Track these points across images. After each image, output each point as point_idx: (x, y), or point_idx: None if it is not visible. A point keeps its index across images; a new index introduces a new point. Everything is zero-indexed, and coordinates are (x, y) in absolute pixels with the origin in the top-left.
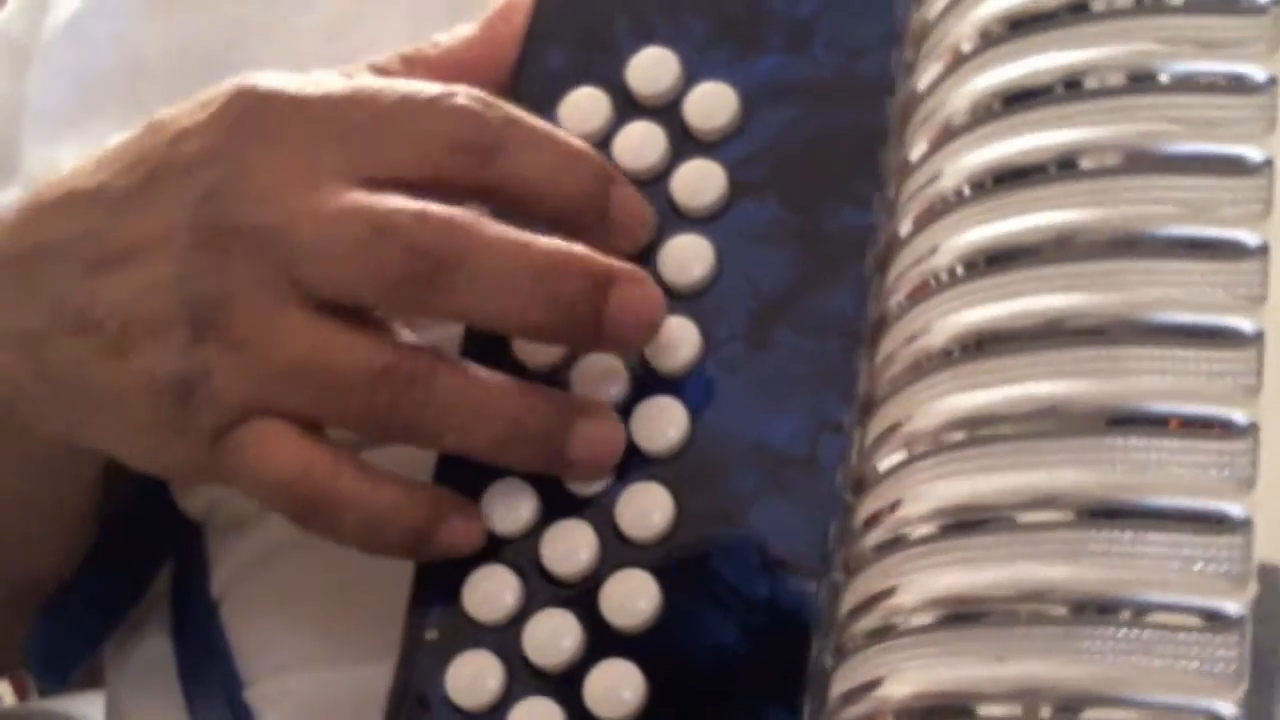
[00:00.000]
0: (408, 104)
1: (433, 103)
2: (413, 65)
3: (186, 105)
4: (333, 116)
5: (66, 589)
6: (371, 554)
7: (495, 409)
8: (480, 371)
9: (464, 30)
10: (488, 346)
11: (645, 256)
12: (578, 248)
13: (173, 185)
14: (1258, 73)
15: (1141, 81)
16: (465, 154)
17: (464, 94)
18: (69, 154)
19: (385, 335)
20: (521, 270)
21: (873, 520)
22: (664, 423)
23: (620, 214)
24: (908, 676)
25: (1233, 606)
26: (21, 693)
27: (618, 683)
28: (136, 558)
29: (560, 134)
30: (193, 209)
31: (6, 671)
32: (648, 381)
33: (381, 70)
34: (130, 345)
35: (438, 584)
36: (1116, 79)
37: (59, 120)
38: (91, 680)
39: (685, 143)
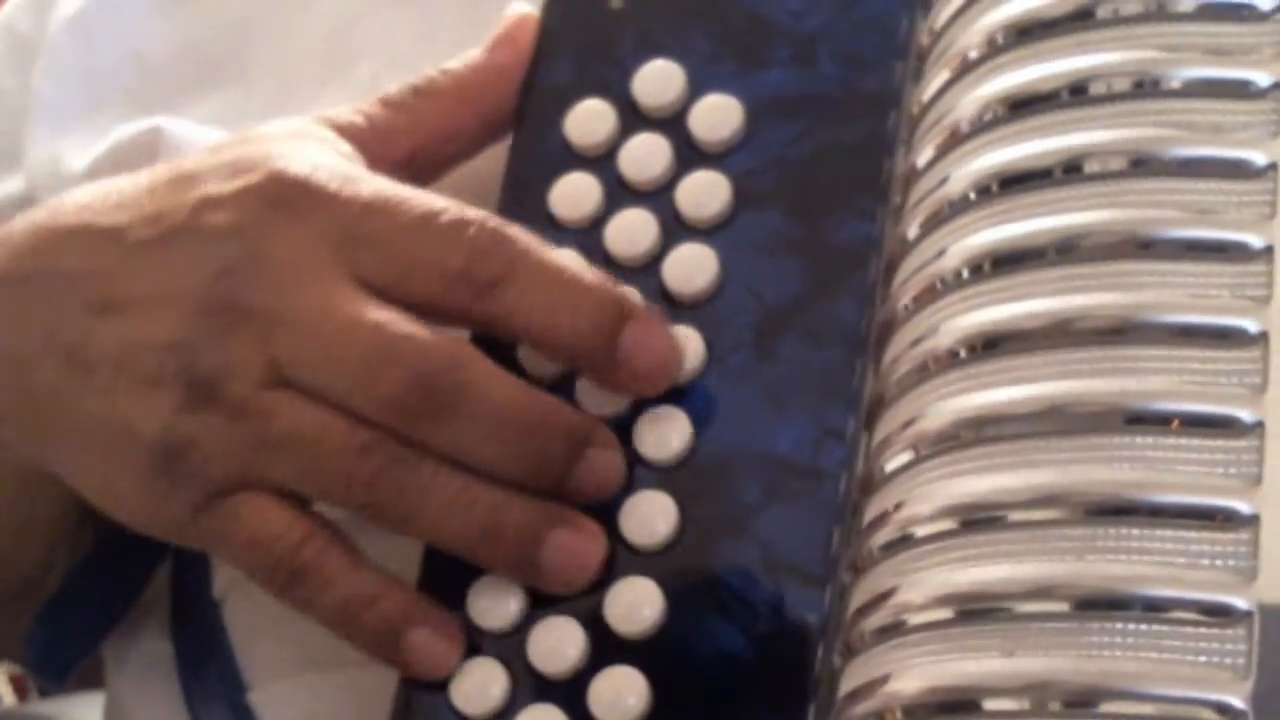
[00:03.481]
0: (425, 224)
1: (449, 230)
2: (425, 96)
3: (216, 165)
4: (352, 221)
5: (65, 586)
6: (345, 639)
7: (474, 499)
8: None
9: (471, 55)
10: (492, 353)
11: (650, 267)
12: (563, 406)
13: (191, 251)
14: (1262, 78)
15: (1147, 87)
16: (466, 287)
17: (477, 226)
18: (73, 148)
19: None
20: (511, 423)
21: (880, 520)
22: (668, 431)
23: (634, 353)
24: (916, 672)
25: (1240, 601)
26: (22, 693)
27: (622, 689)
28: (135, 555)
29: (568, 271)
30: (207, 280)
31: (4, 657)
32: None
33: (395, 104)
34: (119, 393)
35: (442, 591)
36: (1122, 84)
37: (64, 115)
38: (91, 681)
39: (690, 154)
